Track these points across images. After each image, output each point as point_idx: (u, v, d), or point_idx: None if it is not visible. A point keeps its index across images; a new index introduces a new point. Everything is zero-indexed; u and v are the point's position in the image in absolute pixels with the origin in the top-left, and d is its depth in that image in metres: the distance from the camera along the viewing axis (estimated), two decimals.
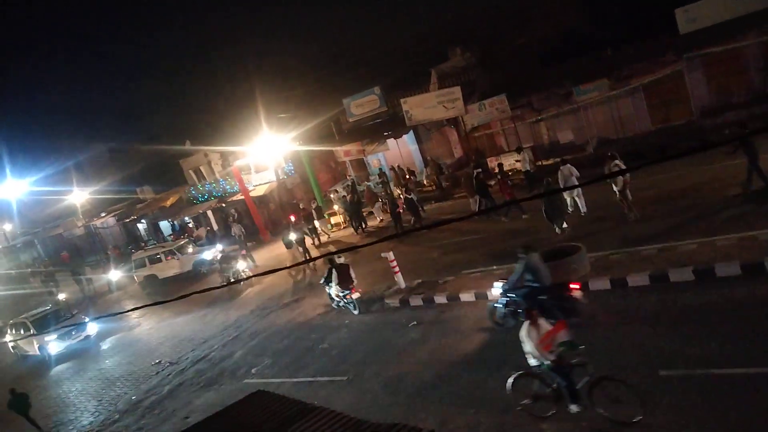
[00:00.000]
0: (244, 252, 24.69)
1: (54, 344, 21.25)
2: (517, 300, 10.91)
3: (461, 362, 10.85)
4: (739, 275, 10.28)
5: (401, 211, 21.84)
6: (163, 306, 22.39)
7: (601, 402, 7.59)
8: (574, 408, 7.82)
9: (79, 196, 39.80)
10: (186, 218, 38.05)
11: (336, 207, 27.26)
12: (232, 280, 20.91)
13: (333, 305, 16.26)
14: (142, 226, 42.62)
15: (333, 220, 27.28)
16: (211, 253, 27.95)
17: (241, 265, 22.92)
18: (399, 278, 15.54)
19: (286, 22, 65.11)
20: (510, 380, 8.41)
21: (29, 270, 40.89)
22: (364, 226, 24.28)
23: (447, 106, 25.30)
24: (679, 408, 7.56)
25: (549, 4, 29.29)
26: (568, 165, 16.53)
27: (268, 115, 27.80)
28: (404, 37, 38.91)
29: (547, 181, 16.62)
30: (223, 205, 35.36)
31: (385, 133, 27.82)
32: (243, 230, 28.34)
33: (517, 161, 23.15)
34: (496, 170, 21.10)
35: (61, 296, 30.87)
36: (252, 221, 31.45)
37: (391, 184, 27.51)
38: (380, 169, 30.04)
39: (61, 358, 21.32)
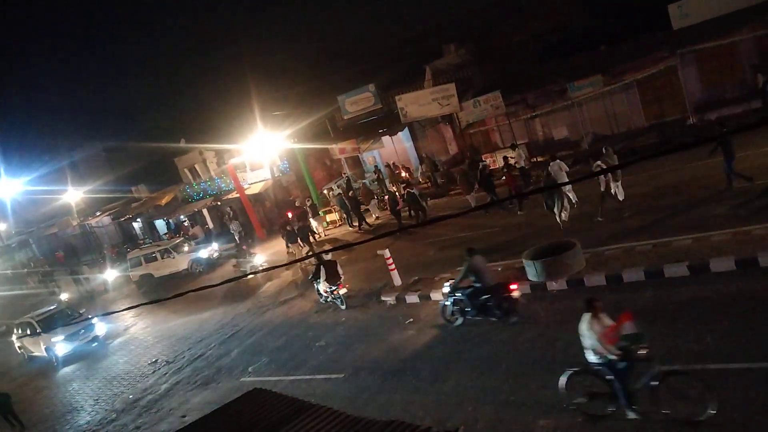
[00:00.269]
0: (244, 247, 24.72)
1: (61, 345, 20.50)
2: (462, 299, 11.86)
3: (459, 359, 10.90)
4: (734, 270, 10.34)
5: (401, 207, 21.93)
6: (160, 305, 22.37)
7: (667, 401, 7.08)
8: (631, 414, 7.37)
9: (74, 195, 39.65)
10: (181, 217, 37.95)
11: (333, 204, 27.23)
12: (249, 272, 20.91)
13: (321, 300, 16.58)
14: (137, 225, 42.50)
15: (328, 217, 27.25)
16: (207, 251, 27.96)
17: (259, 259, 22.87)
18: (395, 275, 15.56)
19: (281, 19, 65.04)
20: (563, 377, 7.97)
21: (25, 270, 40.73)
22: (363, 223, 24.29)
23: (442, 102, 25.29)
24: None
25: (543, 1, 29.29)
26: (558, 161, 17.00)
27: (263, 113, 27.70)
28: (399, 34, 38.97)
29: (547, 173, 16.82)
30: (219, 203, 35.28)
31: (380, 131, 27.79)
32: (241, 227, 28.33)
33: (511, 158, 23.22)
34: (502, 164, 21.47)
35: (64, 296, 30.37)
36: (247, 219, 31.43)
37: (387, 181, 27.52)
38: (375, 166, 30.03)
39: (69, 359, 20.64)
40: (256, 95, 29.56)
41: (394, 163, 28.38)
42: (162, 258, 27.47)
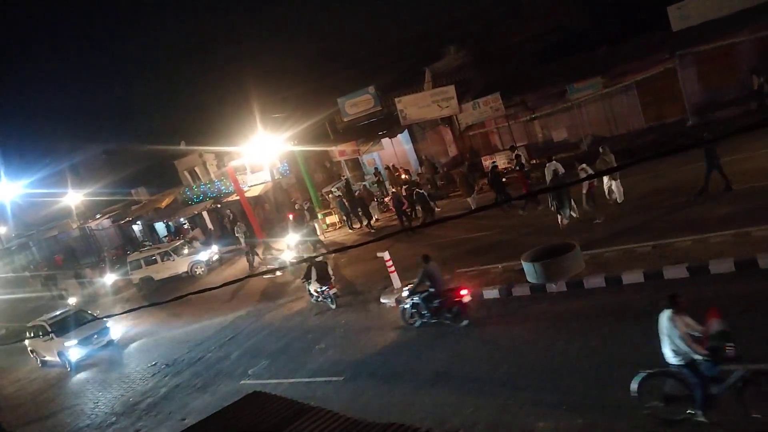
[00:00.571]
0: (248, 248, 24.70)
1: (75, 350, 19.85)
2: (419, 302, 12.66)
3: (458, 359, 10.89)
4: (733, 272, 10.35)
5: (406, 208, 22.01)
6: (159, 307, 22.33)
7: (756, 403, 6.54)
8: (706, 418, 6.86)
9: (74, 197, 39.59)
10: (181, 219, 37.96)
11: (332, 206, 27.22)
12: (278, 268, 20.96)
13: (312, 300, 16.95)
14: (137, 228, 42.49)
15: (328, 220, 27.24)
16: (207, 254, 27.96)
17: (287, 255, 22.86)
18: (395, 278, 15.56)
19: (281, 22, 65.08)
20: (636, 380, 7.34)
21: (27, 273, 40.64)
22: (370, 222, 24.32)
23: (441, 105, 25.30)
24: None
25: (543, 3, 29.29)
26: (554, 161, 17.26)
27: (263, 115, 27.69)
28: (398, 36, 38.98)
29: (554, 172, 16.83)
30: (219, 205, 35.29)
31: (380, 133, 27.80)
32: (245, 228, 28.30)
33: (511, 160, 23.30)
34: (515, 162, 21.99)
35: (72, 300, 29.78)
36: (247, 221, 31.40)
37: (387, 183, 27.51)
38: (375, 168, 30.04)
39: (83, 365, 19.96)
40: (256, 97, 29.54)
41: (393, 166, 28.39)
42: (162, 261, 27.48)
